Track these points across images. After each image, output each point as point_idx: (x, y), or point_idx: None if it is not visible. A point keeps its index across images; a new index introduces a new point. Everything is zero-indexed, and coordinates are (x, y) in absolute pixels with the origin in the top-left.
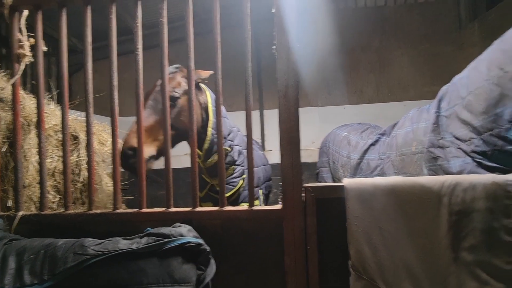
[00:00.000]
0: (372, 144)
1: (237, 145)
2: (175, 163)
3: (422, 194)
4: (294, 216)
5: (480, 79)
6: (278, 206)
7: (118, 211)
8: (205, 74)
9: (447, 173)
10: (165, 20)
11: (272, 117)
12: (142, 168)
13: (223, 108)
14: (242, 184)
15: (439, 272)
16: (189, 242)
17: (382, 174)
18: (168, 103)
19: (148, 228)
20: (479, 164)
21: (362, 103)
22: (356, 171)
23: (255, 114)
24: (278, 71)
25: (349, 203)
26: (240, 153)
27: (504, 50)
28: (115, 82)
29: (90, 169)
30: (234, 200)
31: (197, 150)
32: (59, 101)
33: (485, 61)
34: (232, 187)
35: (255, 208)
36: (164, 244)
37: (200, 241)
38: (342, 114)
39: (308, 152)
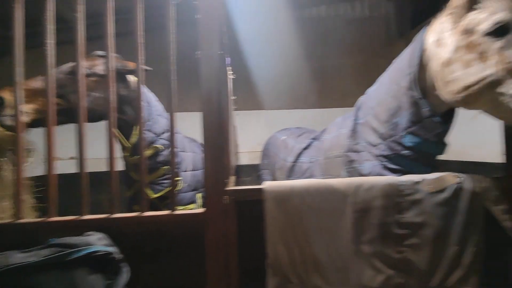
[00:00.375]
0: (305, 148)
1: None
2: (101, 166)
3: (331, 194)
4: (216, 220)
5: (383, 92)
6: (201, 210)
7: (21, 221)
8: (133, 65)
9: (360, 174)
10: (80, 15)
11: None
12: (51, 169)
13: (160, 107)
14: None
15: (342, 263)
16: (97, 251)
17: (311, 176)
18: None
19: (52, 239)
20: (384, 167)
21: (307, 108)
22: (290, 174)
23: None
24: (201, 76)
25: (267, 205)
26: (179, 155)
27: (398, 68)
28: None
29: None
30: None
31: (125, 141)
32: None
33: (387, 76)
34: (162, 188)
35: (176, 212)
36: (67, 255)
37: (110, 249)
38: (288, 118)
39: (255, 154)
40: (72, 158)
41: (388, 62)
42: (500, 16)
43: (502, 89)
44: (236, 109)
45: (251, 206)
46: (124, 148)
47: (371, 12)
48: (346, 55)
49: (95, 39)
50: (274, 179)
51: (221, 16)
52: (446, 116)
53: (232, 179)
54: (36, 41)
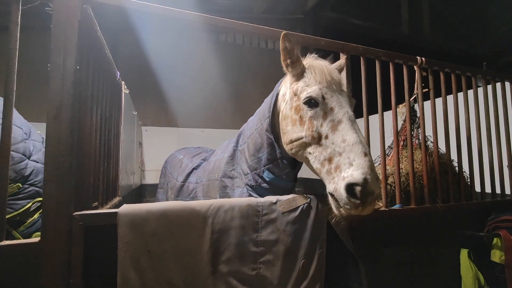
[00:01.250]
0: (195, 168)
1: (35, 161)
2: None
3: (190, 216)
4: (56, 249)
5: (254, 127)
6: (36, 239)
7: None
8: None
9: (232, 197)
10: None
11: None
12: None
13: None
14: (28, 207)
15: (199, 285)
16: None
17: (195, 197)
18: None
19: None
20: (250, 195)
21: (219, 128)
22: (179, 193)
23: None
24: (50, 91)
25: (120, 229)
26: (39, 172)
27: (263, 108)
28: None
29: None
30: (24, 229)
31: None
32: None
33: (257, 113)
34: (11, 210)
35: (2, 243)
36: None
37: None
38: (200, 136)
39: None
40: None
41: None
42: (311, 91)
43: (309, 150)
44: (143, 125)
45: (105, 231)
46: None
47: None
48: (258, 81)
49: None
50: (167, 198)
51: (88, 30)
52: (294, 160)
53: (115, 200)
54: None
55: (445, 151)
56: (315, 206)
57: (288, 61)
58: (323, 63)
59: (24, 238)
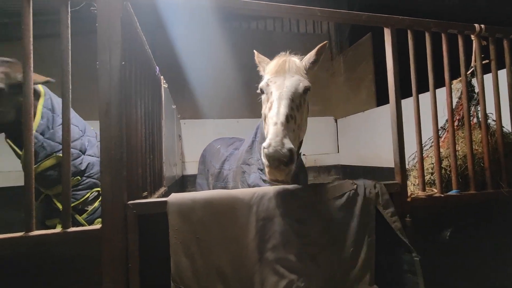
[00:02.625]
0: (228, 156)
1: (90, 156)
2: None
3: (235, 204)
4: (114, 235)
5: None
6: (97, 226)
7: None
8: (40, 78)
9: (248, 184)
10: None
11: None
12: None
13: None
14: (87, 197)
15: (246, 272)
16: None
17: (227, 182)
18: None
19: None
20: (260, 178)
21: (254, 118)
22: (217, 179)
23: None
24: (100, 89)
25: (170, 217)
26: (94, 164)
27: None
28: None
29: None
30: (87, 217)
31: (18, 151)
32: None
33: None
34: (74, 200)
35: (69, 230)
36: None
37: None
38: (235, 127)
39: None
40: None
41: (329, 75)
42: (261, 81)
43: (264, 129)
44: (181, 118)
45: (157, 219)
46: (20, 158)
47: (314, 28)
48: None
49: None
50: (208, 184)
51: (129, 27)
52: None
53: (161, 190)
54: None
55: (510, 129)
56: (362, 193)
57: (260, 68)
58: (278, 58)
59: (88, 225)
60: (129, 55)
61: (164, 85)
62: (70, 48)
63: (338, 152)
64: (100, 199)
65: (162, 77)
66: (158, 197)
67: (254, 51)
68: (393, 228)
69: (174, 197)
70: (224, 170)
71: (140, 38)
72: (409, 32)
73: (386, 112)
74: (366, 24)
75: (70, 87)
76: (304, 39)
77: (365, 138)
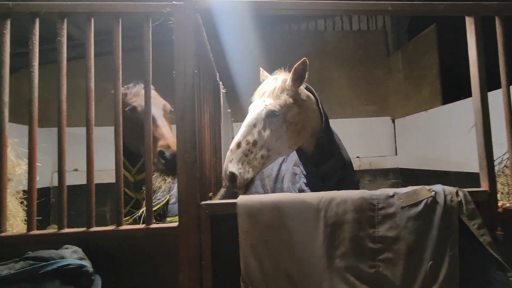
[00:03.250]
0: (286, 158)
1: None
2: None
3: (302, 209)
4: (189, 233)
5: None
6: (174, 224)
7: (2, 234)
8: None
9: (298, 188)
10: (64, 39)
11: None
12: (33, 184)
13: None
14: (168, 199)
15: (315, 279)
16: (69, 265)
17: (282, 183)
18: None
19: (29, 252)
20: (304, 183)
21: None
22: (276, 181)
23: None
24: (176, 96)
25: (240, 219)
26: None
27: None
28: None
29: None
30: (160, 214)
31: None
32: None
33: None
34: (158, 201)
35: (151, 226)
36: (39, 268)
37: (83, 262)
38: None
39: None
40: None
41: (385, 72)
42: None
43: None
44: (234, 121)
45: (226, 220)
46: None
47: (368, 25)
48: (344, 66)
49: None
50: (262, 186)
51: (198, 37)
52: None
53: (221, 191)
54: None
55: None
56: (442, 201)
57: None
58: (263, 82)
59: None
60: (199, 64)
61: (222, 90)
62: (151, 60)
63: (396, 154)
64: (166, 199)
65: (220, 82)
66: (220, 198)
67: (260, 68)
68: (482, 242)
69: (243, 199)
70: (281, 171)
71: (206, 47)
72: (497, 19)
73: (456, 110)
74: (443, 14)
75: (151, 95)
76: (357, 37)
77: (428, 139)
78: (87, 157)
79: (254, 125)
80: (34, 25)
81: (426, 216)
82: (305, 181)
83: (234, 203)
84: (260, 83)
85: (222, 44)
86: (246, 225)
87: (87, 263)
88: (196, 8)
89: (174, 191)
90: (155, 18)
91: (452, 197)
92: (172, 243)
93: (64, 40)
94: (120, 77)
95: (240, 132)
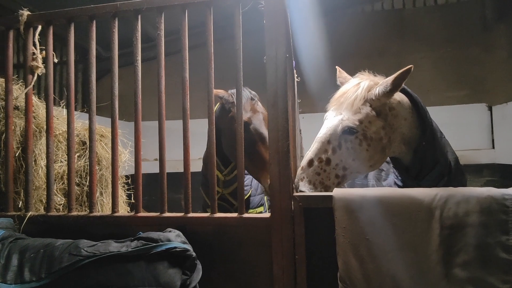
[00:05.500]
0: None
1: None
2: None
3: (412, 206)
4: (282, 226)
5: None
6: (267, 215)
7: (116, 214)
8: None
9: (382, 183)
10: (162, 33)
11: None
12: (139, 172)
13: None
14: (250, 192)
15: (428, 287)
16: (175, 248)
17: (366, 179)
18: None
19: (140, 232)
20: (395, 181)
21: None
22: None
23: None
24: (268, 82)
25: (337, 214)
26: None
27: None
28: (116, 91)
29: (91, 173)
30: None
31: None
32: (83, 106)
33: None
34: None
35: (244, 215)
36: (151, 248)
37: (187, 246)
38: None
39: None
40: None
41: (481, 50)
42: None
43: None
44: (301, 112)
45: (320, 213)
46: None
47: None
48: (427, 47)
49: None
50: None
51: (286, 20)
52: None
53: None
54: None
55: None
56: None
57: None
58: (343, 87)
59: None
60: (291, 48)
61: (296, 79)
62: (241, 47)
63: (493, 147)
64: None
65: (295, 71)
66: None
67: (337, 67)
68: None
69: (340, 192)
70: None
71: (289, 31)
72: None
73: None
74: None
75: (242, 83)
76: (444, 13)
77: None
78: (184, 145)
79: (328, 142)
80: (137, 22)
81: None
82: (396, 179)
83: (330, 196)
84: (335, 82)
85: (291, 30)
86: (344, 221)
87: (190, 247)
88: None
89: (253, 183)
90: (244, 4)
91: None
92: (264, 234)
93: (162, 34)
94: (212, 66)
95: (313, 148)
